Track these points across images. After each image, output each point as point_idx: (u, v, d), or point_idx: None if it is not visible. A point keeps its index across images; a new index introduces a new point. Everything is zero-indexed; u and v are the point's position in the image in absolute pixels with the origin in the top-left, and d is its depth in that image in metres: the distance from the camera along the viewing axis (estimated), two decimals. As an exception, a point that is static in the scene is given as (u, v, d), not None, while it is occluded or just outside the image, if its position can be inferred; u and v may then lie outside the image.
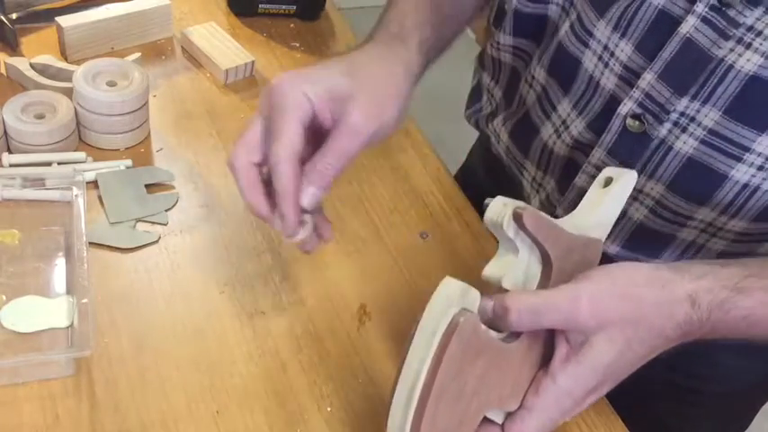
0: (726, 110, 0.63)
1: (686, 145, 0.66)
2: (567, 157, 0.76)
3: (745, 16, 0.61)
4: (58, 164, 0.79)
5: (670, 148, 0.67)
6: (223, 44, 0.97)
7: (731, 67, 0.62)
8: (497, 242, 0.59)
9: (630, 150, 0.69)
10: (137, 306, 0.70)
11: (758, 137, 0.62)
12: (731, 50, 0.62)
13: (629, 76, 0.67)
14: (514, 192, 0.85)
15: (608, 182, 0.61)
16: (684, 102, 0.65)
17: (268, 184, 0.61)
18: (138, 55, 0.92)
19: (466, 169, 1.02)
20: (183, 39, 0.98)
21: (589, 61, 0.70)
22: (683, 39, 0.63)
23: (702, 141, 0.65)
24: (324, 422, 0.64)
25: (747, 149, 0.63)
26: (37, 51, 0.91)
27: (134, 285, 0.72)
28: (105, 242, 0.74)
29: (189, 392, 0.64)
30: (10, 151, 0.80)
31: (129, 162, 0.82)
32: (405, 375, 0.51)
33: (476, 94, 0.92)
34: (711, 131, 0.64)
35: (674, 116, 0.66)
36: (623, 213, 0.61)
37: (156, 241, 0.75)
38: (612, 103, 0.69)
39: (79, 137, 0.84)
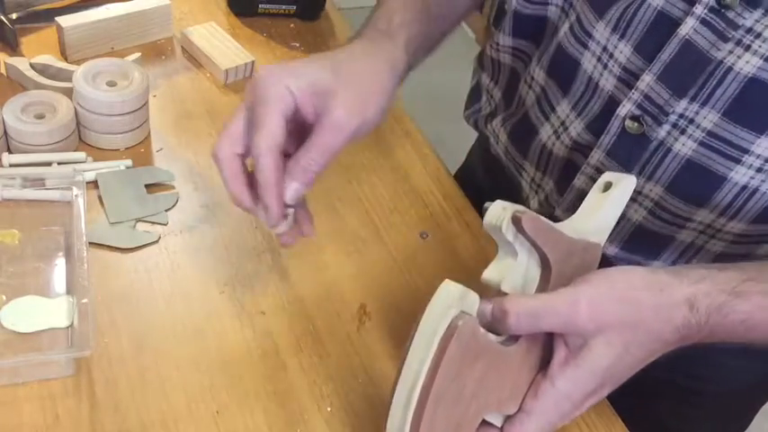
0: (725, 112, 0.63)
1: (685, 147, 0.66)
2: (566, 158, 0.76)
3: (744, 18, 0.61)
4: (58, 164, 0.79)
5: (669, 149, 0.67)
6: (223, 44, 0.97)
7: (730, 68, 0.62)
8: (497, 244, 0.59)
9: (629, 152, 0.69)
10: (137, 306, 0.70)
11: (757, 139, 0.63)
12: (730, 52, 0.62)
13: (628, 78, 0.67)
14: (513, 192, 0.85)
15: (607, 186, 0.61)
16: (683, 103, 0.65)
17: (253, 176, 0.61)
18: (138, 55, 0.92)
19: (465, 169, 1.02)
20: (183, 39, 0.98)
21: (588, 62, 0.70)
22: (682, 40, 0.63)
23: (701, 143, 0.65)
24: (324, 422, 0.64)
25: (746, 151, 0.63)
26: (37, 51, 0.91)
27: (134, 285, 0.72)
28: (105, 242, 0.74)
29: (189, 392, 0.65)
30: (10, 151, 0.80)
31: (129, 162, 0.82)
32: (404, 376, 0.51)
33: (475, 94, 0.92)
34: (710, 133, 0.64)
35: (672, 118, 0.66)
36: (622, 215, 0.61)
37: (156, 241, 0.75)
38: (611, 104, 0.69)
39: (79, 137, 0.84)
